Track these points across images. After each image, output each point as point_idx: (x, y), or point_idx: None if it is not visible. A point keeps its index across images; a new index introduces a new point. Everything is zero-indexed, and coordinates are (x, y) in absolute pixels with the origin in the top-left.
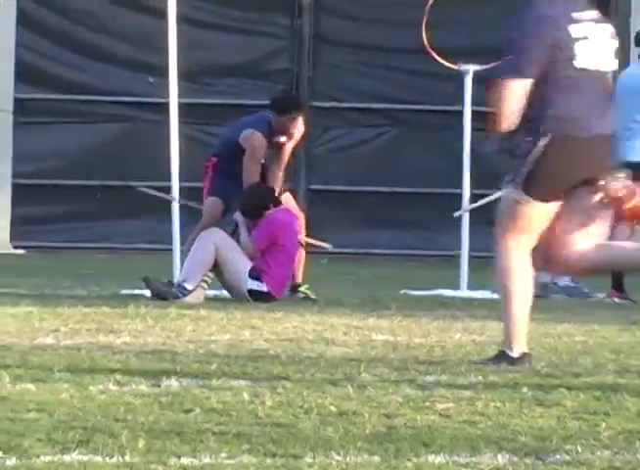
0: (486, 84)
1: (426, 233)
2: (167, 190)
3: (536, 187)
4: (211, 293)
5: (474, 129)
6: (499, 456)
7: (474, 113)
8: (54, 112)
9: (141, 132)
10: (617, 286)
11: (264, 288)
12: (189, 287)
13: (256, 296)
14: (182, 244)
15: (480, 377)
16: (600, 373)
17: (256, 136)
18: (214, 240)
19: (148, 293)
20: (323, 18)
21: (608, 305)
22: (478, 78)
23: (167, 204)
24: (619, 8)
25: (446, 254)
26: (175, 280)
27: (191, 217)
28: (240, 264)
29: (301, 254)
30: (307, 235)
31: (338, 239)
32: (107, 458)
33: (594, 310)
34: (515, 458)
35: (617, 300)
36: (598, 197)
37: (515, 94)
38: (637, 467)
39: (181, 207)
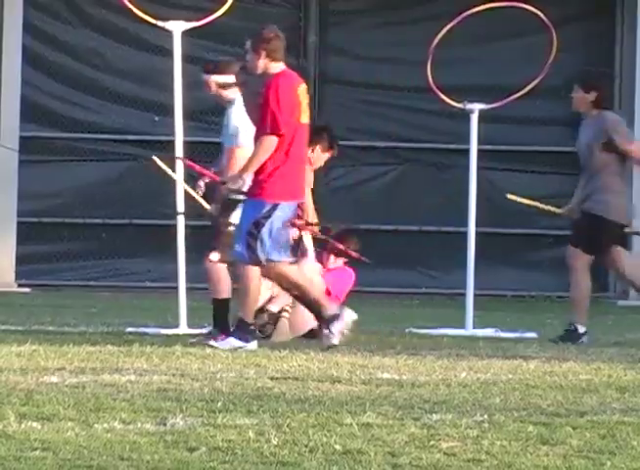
0: None
1: (431, 271)
2: (173, 228)
3: None
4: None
5: (479, 168)
6: None
7: (480, 151)
8: (59, 150)
9: (145, 170)
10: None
11: None
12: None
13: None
14: (187, 282)
15: (486, 415)
16: (605, 412)
17: None
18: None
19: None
20: (328, 57)
21: (614, 344)
22: (483, 117)
23: (172, 243)
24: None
25: (451, 292)
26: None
27: (195, 256)
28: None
29: None
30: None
31: None
32: None
33: (600, 348)
34: None
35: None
36: None
37: None
38: None
39: (186, 245)
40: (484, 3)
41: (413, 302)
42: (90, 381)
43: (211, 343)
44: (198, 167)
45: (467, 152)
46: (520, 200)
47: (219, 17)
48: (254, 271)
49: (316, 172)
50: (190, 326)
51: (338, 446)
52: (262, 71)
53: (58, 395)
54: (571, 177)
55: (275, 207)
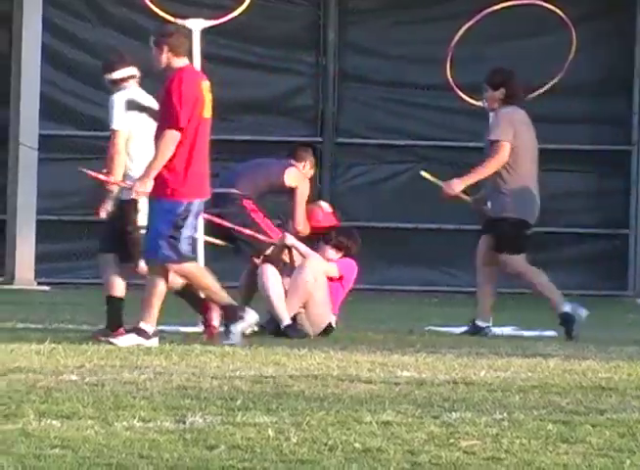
0: None
1: (451, 270)
2: None
3: None
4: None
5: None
6: None
7: None
8: (78, 148)
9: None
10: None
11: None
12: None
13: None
14: None
15: (505, 414)
16: (625, 410)
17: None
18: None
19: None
20: (348, 55)
21: (633, 342)
22: None
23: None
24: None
25: (471, 290)
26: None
27: (216, 253)
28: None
29: None
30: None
31: (362, 275)
32: None
33: (619, 347)
34: None
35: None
36: None
37: None
38: None
39: (206, 242)
40: (504, 1)
41: (432, 300)
42: (109, 379)
43: (111, 340)
44: (101, 177)
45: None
46: (431, 178)
47: (239, 15)
48: (164, 275)
49: (332, 171)
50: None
51: (357, 445)
52: (165, 66)
53: (77, 393)
54: (590, 175)
55: (190, 205)
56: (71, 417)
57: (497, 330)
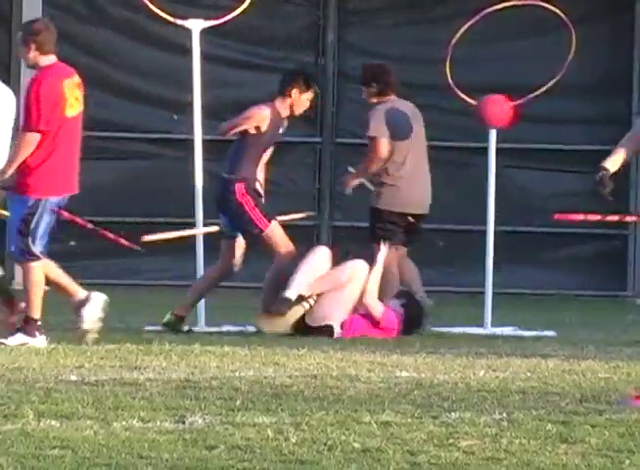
0: None
1: (450, 269)
2: (192, 226)
3: None
4: (235, 328)
5: (498, 166)
6: None
7: (498, 150)
8: None
9: (165, 169)
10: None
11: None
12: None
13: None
14: None
15: (505, 414)
16: (625, 410)
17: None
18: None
19: None
20: (347, 55)
21: (633, 342)
22: None
23: (190, 239)
24: None
25: (470, 291)
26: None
27: (214, 254)
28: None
29: None
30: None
31: None
32: None
33: (619, 347)
34: None
35: None
36: None
37: None
38: None
39: (205, 243)
40: (503, 1)
41: (432, 300)
42: (109, 379)
43: (1, 340)
44: None
45: (485, 150)
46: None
47: (238, 15)
48: (38, 267)
49: (332, 171)
50: (208, 324)
51: (356, 445)
52: (33, 64)
53: (77, 393)
54: (589, 176)
55: (39, 202)
56: (71, 417)
57: (497, 330)
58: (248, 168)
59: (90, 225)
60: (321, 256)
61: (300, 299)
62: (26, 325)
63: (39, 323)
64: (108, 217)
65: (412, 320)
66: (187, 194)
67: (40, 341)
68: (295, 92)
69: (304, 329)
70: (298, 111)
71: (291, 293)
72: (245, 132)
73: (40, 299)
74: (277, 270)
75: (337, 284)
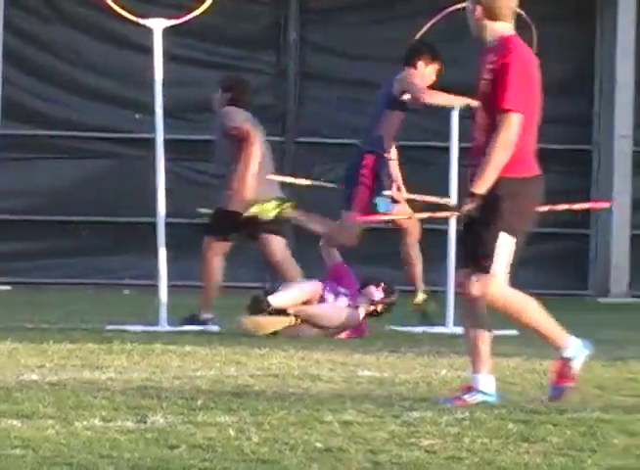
0: None
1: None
2: (152, 226)
3: None
4: (197, 328)
5: (460, 166)
6: None
7: (460, 149)
8: (39, 148)
9: (126, 168)
10: None
11: None
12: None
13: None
14: (169, 279)
15: (467, 413)
16: (585, 409)
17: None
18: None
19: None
20: (308, 54)
21: (594, 341)
22: (465, 115)
23: (153, 240)
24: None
25: (432, 289)
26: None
27: (177, 252)
28: None
29: None
30: None
31: (322, 273)
32: None
33: None
34: None
35: None
36: None
37: None
38: None
39: (167, 242)
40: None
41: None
42: (70, 379)
43: None
44: None
45: (447, 149)
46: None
47: (200, 14)
48: None
49: (294, 170)
50: (170, 324)
51: (318, 444)
52: None
53: (38, 392)
54: (552, 174)
55: None
56: (32, 417)
57: (459, 329)
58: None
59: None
60: (313, 287)
61: (282, 312)
62: None
63: None
64: (69, 217)
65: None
66: (149, 193)
67: None
68: (420, 64)
69: None
70: (424, 83)
71: (275, 300)
72: (395, 102)
73: None
74: (329, 254)
75: (329, 321)
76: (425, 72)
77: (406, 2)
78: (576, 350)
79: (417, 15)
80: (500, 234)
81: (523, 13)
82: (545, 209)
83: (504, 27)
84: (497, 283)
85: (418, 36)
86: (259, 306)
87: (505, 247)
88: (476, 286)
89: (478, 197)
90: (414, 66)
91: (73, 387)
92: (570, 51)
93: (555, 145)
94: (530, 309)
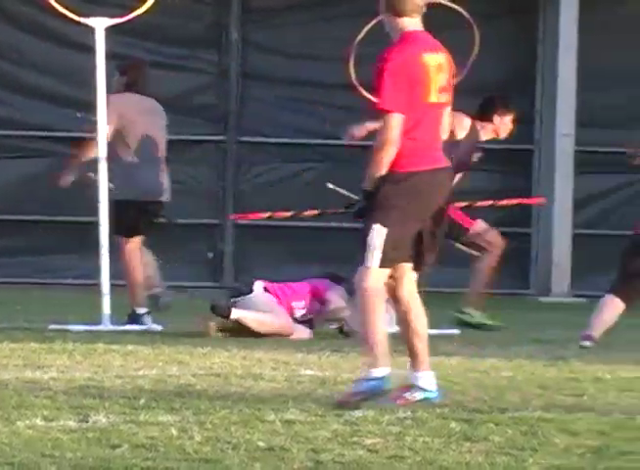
0: None
1: (353, 267)
2: (95, 225)
3: None
4: (140, 328)
5: None
6: None
7: None
8: None
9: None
10: None
11: None
12: None
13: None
14: (110, 278)
15: (409, 412)
16: (527, 408)
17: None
18: None
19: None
20: (250, 53)
21: (535, 341)
22: None
23: (96, 239)
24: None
25: None
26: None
27: (119, 253)
28: None
29: None
30: None
31: (263, 274)
32: None
33: (521, 346)
34: None
35: None
36: None
37: None
38: None
39: (110, 242)
40: None
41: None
42: (12, 378)
43: None
44: None
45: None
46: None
47: (142, 14)
48: None
49: (235, 170)
50: (113, 323)
51: (260, 443)
52: None
53: None
54: (493, 174)
55: None
56: None
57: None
58: None
59: None
60: (282, 322)
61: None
62: None
63: None
64: (8, 216)
65: None
66: (91, 193)
67: None
68: (496, 117)
69: None
70: (503, 134)
71: (235, 313)
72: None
73: None
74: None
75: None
76: (502, 124)
77: (349, 2)
78: (382, 377)
79: (360, 14)
80: (374, 225)
81: (464, 12)
82: (488, 203)
83: (409, 23)
84: (373, 275)
85: (360, 36)
86: (222, 313)
87: (378, 238)
88: (356, 277)
89: (365, 193)
90: (490, 120)
91: (15, 386)
92: (511, 49)
93: (495, 144)
94: (379, 316)
